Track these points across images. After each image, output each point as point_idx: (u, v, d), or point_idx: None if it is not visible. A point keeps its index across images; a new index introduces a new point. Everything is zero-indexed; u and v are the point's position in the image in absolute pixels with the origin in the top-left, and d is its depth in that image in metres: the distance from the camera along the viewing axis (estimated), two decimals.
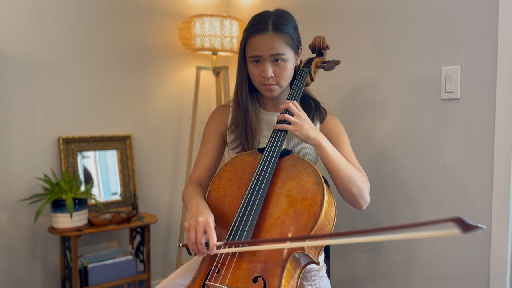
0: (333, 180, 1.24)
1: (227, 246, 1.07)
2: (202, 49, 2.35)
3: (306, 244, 1.04)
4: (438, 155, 1.62)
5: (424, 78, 1.65)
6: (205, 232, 1.06)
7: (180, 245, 1.12)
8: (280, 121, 1.22)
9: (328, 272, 1.41)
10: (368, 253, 1.89)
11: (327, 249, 1.55)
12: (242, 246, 1.06)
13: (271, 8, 1.32)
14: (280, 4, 2.20)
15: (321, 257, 1.37)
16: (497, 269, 1.48)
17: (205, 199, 1.22)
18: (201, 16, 2.31)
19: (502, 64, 1.43)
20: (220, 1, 2.68)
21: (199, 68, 2.49)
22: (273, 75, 1.25)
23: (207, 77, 2.66)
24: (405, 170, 1.73)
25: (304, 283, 1.25)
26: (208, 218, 1.08)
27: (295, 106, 1.21)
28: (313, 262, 1.10)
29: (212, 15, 2.32)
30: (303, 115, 1.21)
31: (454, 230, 0.79)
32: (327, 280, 1.31)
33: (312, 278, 1.27)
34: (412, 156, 1.71)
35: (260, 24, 1.24)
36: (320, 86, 2.03)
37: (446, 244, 1.62)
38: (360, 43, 1.87)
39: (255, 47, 1.24)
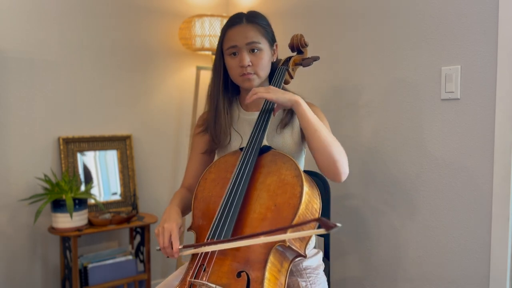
0: (311, 145, 1.21)
1: (193, 247, 1.13)
2: (202, 49, 2.35)
3: (278, 238, 1.03)
4: (438, 155, 1.62)
5: (424, 78, 1.65)
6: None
7: (157, 249, 1.20)
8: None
9: (327, 272, 1.41)
10: (367, 253, 1.89)
11: (326, 248, 1.55)
12: (212, 245, 1.09)
13: (269, 8, 1.34)
14: (279, 4, 2.19)
15: (319, 256, 1.37)
16: (497, 269, 1.48)
17: (191, 201, 1.27)
18: (201, 16, 2.32)
19: (502, 64, 1.43)
20: (220, 1, 2.68)
21: (199, 68, 2.49)
22: (250, 63, 1.30)
23: (207, 77, 2.64)
24: (405, 170, 1.73)
25: (299, 280, 1.26)
26: (172, 224, 1.16)
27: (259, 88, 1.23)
28: (300, 255, 1.10)
29: (212, 15, 2.32)
30: (271, 87, 1.23)
31: (321, 230, 0.87)
32: (323, 278, 1.31)
33: (308, 275, 1.27)
34: (412, 156, 1.71)
35: (235, 19, 1.34)
36: (318, 85, 2.03)
37: (446, 244, 1.62)
38: (359, 43, 1.87)
39: (231, 38, 1.31)
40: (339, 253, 1.99)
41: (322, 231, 0.86)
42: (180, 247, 1.14)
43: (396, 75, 1.75)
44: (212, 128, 1.36)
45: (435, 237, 1.65)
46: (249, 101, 1.21)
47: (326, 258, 1.53)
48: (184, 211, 1.30)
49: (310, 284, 1.25)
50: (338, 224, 0.84)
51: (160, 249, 1.18)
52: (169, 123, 2.56)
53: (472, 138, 1.53)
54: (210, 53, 2.48)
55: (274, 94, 1.19)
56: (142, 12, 2.40)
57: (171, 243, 1.14)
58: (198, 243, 1.15)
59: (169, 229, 1.15)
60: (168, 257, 1.17)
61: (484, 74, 1.48)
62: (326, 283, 1.32)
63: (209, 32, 2.31)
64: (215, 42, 2.33)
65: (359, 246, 1.92)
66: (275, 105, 1.25)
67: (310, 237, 1.16)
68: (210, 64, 2.62)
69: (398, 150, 1.75)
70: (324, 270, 1.35)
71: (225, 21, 2.31)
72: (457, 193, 1.58)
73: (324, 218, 0.87)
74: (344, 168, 1.20)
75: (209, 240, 1.10)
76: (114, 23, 2.32)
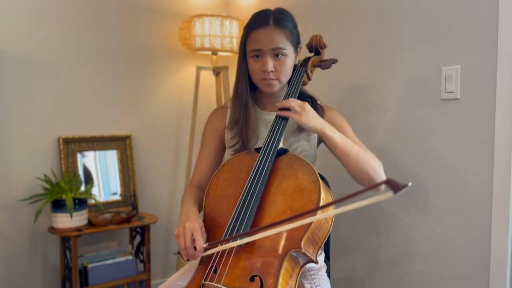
0: (345, 166, 1.23)
1: (218, 244, 1.08)
2: (202, 49, 2.35)
3: (291, 226, 0.99)
4: (438, 155, 1.62)
5: (424, 78, 1.65)
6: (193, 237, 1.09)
7: (176, 253, 1.15)
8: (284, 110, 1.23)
9: (328, 272, 1.42)
10: (367, 253, 1.89)
11: (327, 249, 1.55)
12: (232, 241, 1.06)
13: (271, 7, 1.33)
14: (280, 4, 2.19)
15: (321, 257, 1.37)
16: (497, 269, 1.48)
17: (203, 201, 1.24)
18: (201, 16, 2.31)
19: (502, 64, 1.43)
20: (220, 1, 2.68)
21: (199, 68, 2.49)
22: (273, 69, 1.26)
23: (207, 77, 2.66)
24: (405, 170, 1.73)
25: (303, 281, 1.25)
26: (194, 224, 1.10)
27: (294, 101, 1.21)
28: (312, 261, 1.10)
29: (212, 15, 2.32)
30: (307, 105, 1.21)
31: (388, 194, 0.80)
32: (326, 279, 1.31)
33: (312, 277, 1.27)
34: (412, 156, 1.71)
35: (261, 19, 1.26)
36: (320, 85, 2.03)
37: (446, 243, 1.62)
38: (360, 43, 1.87)
39: (256, 41, 1.25)
40: (339, 253, 1.99)
41: (388, 195, 0.77)
42: (204, 245, 1.08)
43: (396, 75, 1.75)
44: (245, 130, 1.32)
45: (435, 237, 1.65)
46: (278, 113, 1.22)
47: (327, 258, 1.53)
48: (199, 211, 1.27)
49: (315, 286, 1.25)
50: (409, 184, 0.76)
51: (178, 253, 1.12)
52: (169, 123, 2.56)
53: (472, 138, 1.53)
54: (210, 53, 2.48)
55: (306, 119, 1.18)
56: (142, 12, 2.40)
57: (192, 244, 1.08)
58: (219, 240, 1.09)
59: (191, 228, 1.09)
60: (188, 260, 1.11)
61: (484, 74, 1.48)
62: (329, 284, 1.31)
63: (209, 32, 2.30)
64: (215, 42, 2.32)
65: (359, 246, 1.92)
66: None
67: (322, 243, 1.14)
68: (210, 64, 2.62)
69: (398, 150, 1.75)
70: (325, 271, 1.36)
71: (225, 21, 2.33)
72: (457, 193, 1.58)
73: (392, 179, 0.79)
74: (380, 177, 1.23)
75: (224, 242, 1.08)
76: (114, 23, 2.31)
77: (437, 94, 1.61)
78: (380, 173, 1.23)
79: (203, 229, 1.14)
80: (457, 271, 1.60)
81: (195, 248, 1.08)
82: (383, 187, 0.79)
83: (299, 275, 1.10)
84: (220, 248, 1.08)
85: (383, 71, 1.79)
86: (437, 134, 1.62)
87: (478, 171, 1.52)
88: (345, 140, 1.22)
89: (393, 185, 0.79)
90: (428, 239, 1.67)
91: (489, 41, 1.46)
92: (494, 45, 1.45)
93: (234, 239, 1.06)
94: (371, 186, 0.85)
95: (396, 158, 1.76)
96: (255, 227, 1.10)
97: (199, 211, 1.28)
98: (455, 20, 1.55)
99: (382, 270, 1.84)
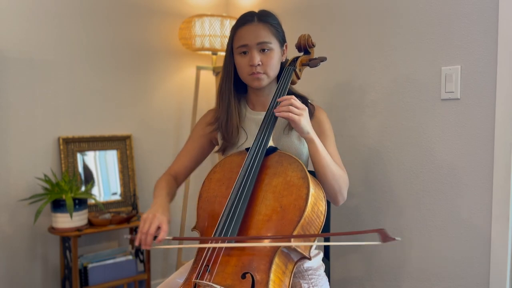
0: (317, 175, 1.24)
1: (184, 241, 1.11)
2: (202, 49, 2.35)
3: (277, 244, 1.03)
4: (438, 155, 1.62)
5: (424, 78, 1.65)
6: (159, 228, 1.12)
7: (128, 237, 1.17)
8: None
9: (327, 272, 1.42)
10: (367, 253, 1.89)
11: (326, 249, 1.55)
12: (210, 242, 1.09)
13: (270, 7, 1.36)
14: (279, 4, 2.19)
15: (319, 256, 1.37)
16: (497, 269, 1.48)
17: (175, 193, 1.35)
18: (201, 16, 2.32)
19: (502, 64, 1.43)
20: (220, 1, 2.68)
21: (199, 68, 2.49)
22: (260, 63, 1.29)
23: (207, 77, 2.66)
24: (405, 170, 1.73)
25: (301, 281, 1.25)
26: (164, 217, 1.15)
27: (296, 100, 1.21)
28: (305, 257, 1.10)
29: (212, 15, 2.32)
30: (306, 110, 1.21)
31: (375, 241, 0.89)
32: (325, 278, 1.31)
33: (309, 276, 1.27)
34: (412, 156, 1.71)
35: (246, 17, 1.34)
36: (320, 85, 2.03)
37: (445, 243, 1.62)
38: (360, 43, 1.87)
39: (242, 37, 1.31)
40: (338, 253, 1.99)
41: (375, 243, 0.85)
42: (169, 238, 1.13)
43: (396, 75, 1.75)
44: (224, 126, 1.35)
45: (435, 237, 1.65)
46: (278, 115, 1.19)
47: (326, 258, 1.53)
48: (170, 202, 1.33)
49: (313, 286, 1.25)
50: (398, 238, 0.84)
51: (131, 238, 1.13)
52: (169, 123, 2.56)
53: (472, 138, 1.53)
54: (210, 53, 2.48)
55: (301, 120, 1.17)
56: (142, 12, 2.40)
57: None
58: (182, 237, 1.14)
59: (160, 219, 1.13)
60: (139, 245, 1.13)
61: (484, 74, 1.48)
62: (328, 284, 1.31)
63: (209, 32, 2.30)
64: (215, 42, 2.32)
65: (359, 246, 1.92)
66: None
67: (314, 239, 1.15)
68: (210, 64, 2.62)
69: (398, 150, 1.75)
70: (324, 271, 1.36)
71: (225, 21, 2.33)
72: (457, 193, 1.58)
73: (384, 230, 0.87)
74: (342, 196, 1.29)
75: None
76: (114, 23, 2.31)
77: (437, 94, 1.61)
78: (344, 193, 1.28)
79: (168, 226, 1.17)
80: (457, 271, 1.60)
81: (154, 238, 1.11)
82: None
83: (293, 272, 1.11)
84: (178, 245, 1.13)
85: (383, 71, 1.79)
86: (437, 134, 1.62)
87: (478, 171, 1.51)
88: (326, 152, 1.24)
89: (384, 235, 0.88)
90: (427, 239, 1.67)
91: (489, 41, 1.46)
92: (494, 45, 1.45)
93: (215, 240, 1.09)
94: (366, 231, 0.93)
95: (396, 158, 1.76)
96: (244, 226, 1.11)
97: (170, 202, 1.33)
98: (455, 20, 1.55)
99: (382, 270, 1.84)
